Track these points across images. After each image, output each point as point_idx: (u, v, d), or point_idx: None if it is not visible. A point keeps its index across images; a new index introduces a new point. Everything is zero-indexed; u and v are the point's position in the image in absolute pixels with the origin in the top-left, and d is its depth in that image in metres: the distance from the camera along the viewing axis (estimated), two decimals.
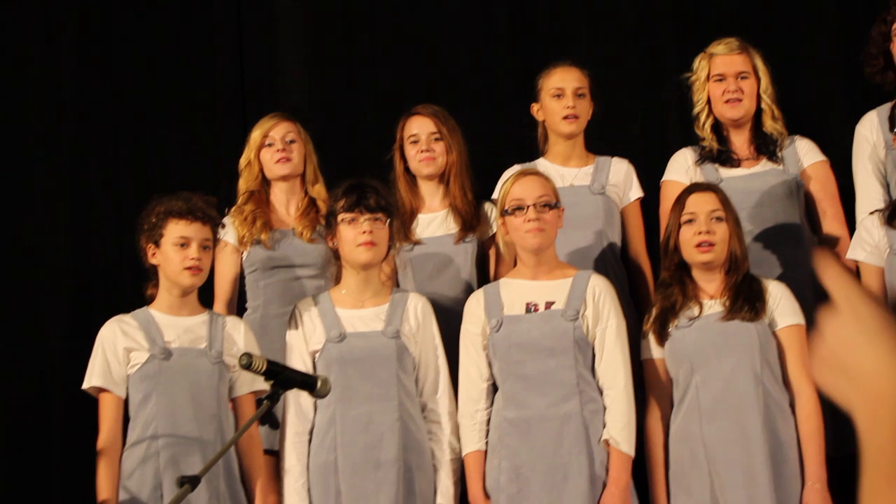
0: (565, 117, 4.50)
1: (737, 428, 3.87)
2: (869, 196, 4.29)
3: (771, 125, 4.46)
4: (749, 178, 4.42)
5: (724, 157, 4.47)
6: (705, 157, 4.48)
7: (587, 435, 3.91)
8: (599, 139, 4.63)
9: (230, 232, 4.44)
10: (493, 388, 4.05)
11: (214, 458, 3.32)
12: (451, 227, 4.47)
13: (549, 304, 4.03)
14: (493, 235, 4.38)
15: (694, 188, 4.12)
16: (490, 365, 4.05)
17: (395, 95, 5.05)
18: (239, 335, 4.04)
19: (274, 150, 4.53)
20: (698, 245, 3.98)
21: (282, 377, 3.32)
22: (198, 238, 3.95)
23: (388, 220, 4.08)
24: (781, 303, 3.99)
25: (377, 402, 3.99)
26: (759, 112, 4.47)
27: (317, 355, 4.07)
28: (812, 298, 4.25)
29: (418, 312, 4.11)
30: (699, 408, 3.92)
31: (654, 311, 4.07)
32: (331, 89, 5.28)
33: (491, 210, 4.46)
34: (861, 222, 4.17)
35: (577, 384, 3.95)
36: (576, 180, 4.52)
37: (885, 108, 4.30)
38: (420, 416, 4.05)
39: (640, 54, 5.18)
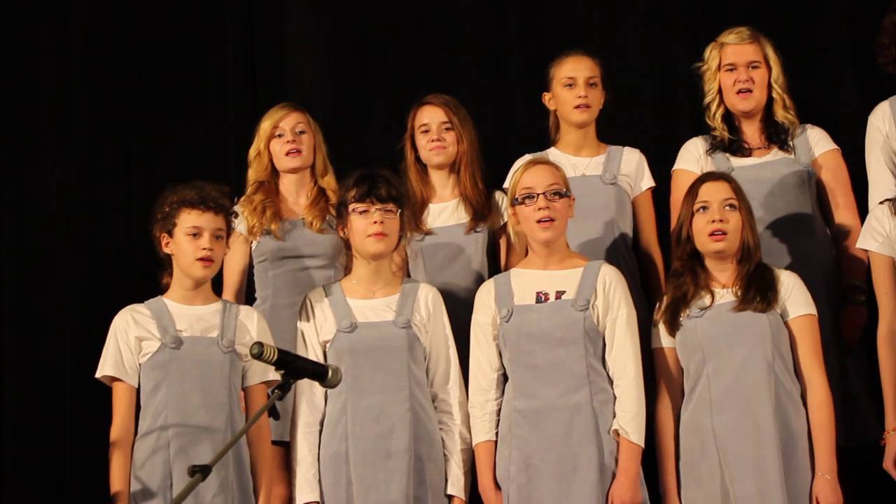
0: (577, 106, 4.50)
1: (748, 418, 3.87)
2: (882, 186, 4.27)
3: (782, 114, 4.45)
4: (760, 168, 4.41)
5: (736, 146, 4.46)
6: (716, 146, 4.47)
7: (597, 425, 3.91)
8: (611, 128, 4.63)
9: (240, 222, 4.44)
10: (504, 378, 4.05)
11: (225, 447, 3.33)
12: (461, 216, 4.47)
13: (559, 294, 4.02)
14: (504, 225, 4.38)
15: (707, 177, 4.11)
16: (500, 355, 4.05)
17: (406, 85, 5.04)
18: (252, 324, 4.03)
19: (284, 140, 4.53)
20: (711, 233, 3.97)
21: (293, 367, 3.33)
22: (210, 227, 3.95)
23: (399, 211, 4.08)
24: (793, 293, 3.98)
25: (388, 392, 3.99)
26: (770, 101, 4.46)
27: (328, 345, 4.07)
28: (824, 288, 4.25)
29: (429, 302, 4.11)
30: (710, 398, 3.91)
31: (665, 301, 4.06)
32: (341, 79, 5.27)
33: (502, 199, 4.45)
34: (871, 212, 4.15)
35: (587, 374, 3.94)
36: (587, 170, 4.51)
37: None
38: (431, 406, 4.05)
39: (651, 43, 5.16)
